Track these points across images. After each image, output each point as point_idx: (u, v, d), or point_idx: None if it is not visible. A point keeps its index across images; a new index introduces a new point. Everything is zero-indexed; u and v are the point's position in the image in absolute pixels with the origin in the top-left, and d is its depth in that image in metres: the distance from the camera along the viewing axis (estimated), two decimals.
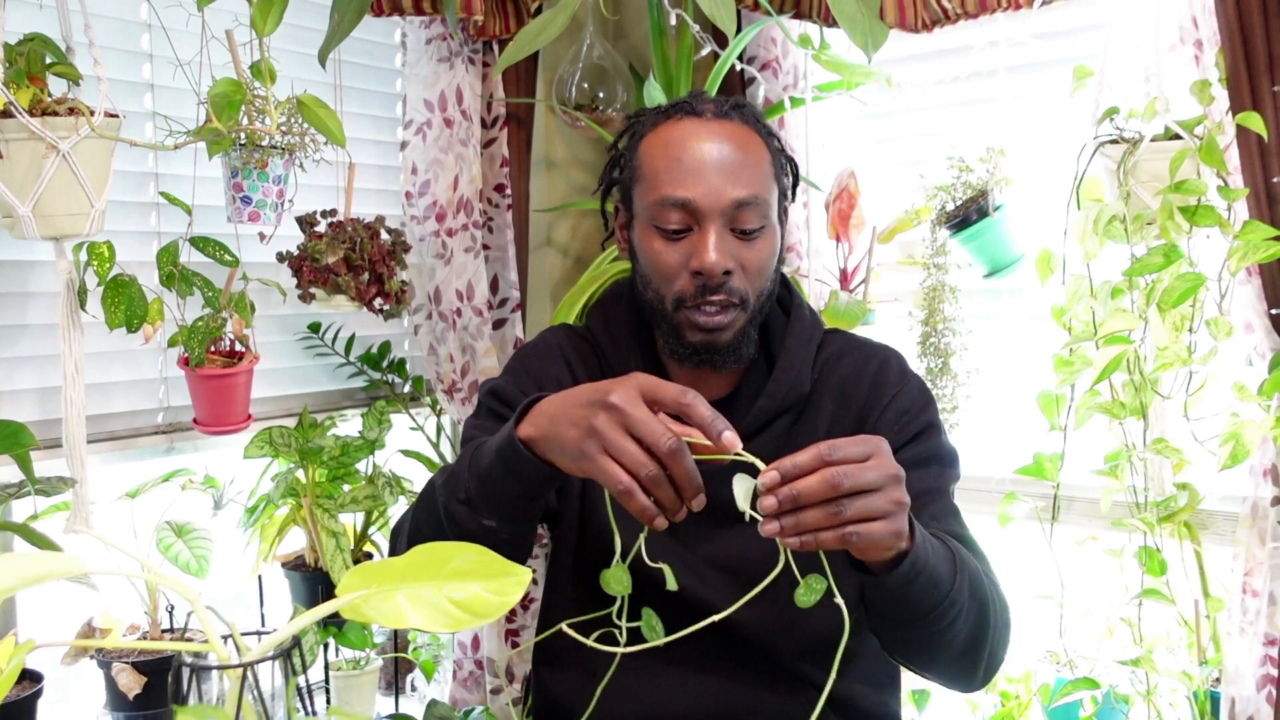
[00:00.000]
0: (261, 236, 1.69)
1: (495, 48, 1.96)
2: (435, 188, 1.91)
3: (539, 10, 1.91)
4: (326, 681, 1.82)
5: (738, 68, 1.99)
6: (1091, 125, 1.63)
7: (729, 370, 1.27)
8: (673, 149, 1.22)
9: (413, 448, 2.03)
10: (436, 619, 0.78)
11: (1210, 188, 1.53)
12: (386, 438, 1.87)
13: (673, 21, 1.92)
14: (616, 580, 1.01)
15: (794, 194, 1.33)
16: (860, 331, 1.71)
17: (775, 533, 0.93)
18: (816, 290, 1.94)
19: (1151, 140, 1.57)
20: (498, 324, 2.02)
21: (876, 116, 2.05)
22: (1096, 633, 1.79)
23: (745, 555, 1.23)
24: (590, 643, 1.04)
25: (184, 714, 0.62)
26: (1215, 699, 1.60)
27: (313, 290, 1.73)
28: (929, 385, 1.58)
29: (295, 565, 1.81)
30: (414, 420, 2.01)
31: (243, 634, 0.82)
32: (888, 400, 1.28)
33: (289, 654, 0.83)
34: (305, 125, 1.60)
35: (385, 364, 1.99)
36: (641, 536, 0.99)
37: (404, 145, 1.95)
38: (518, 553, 1.13)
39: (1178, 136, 1.56)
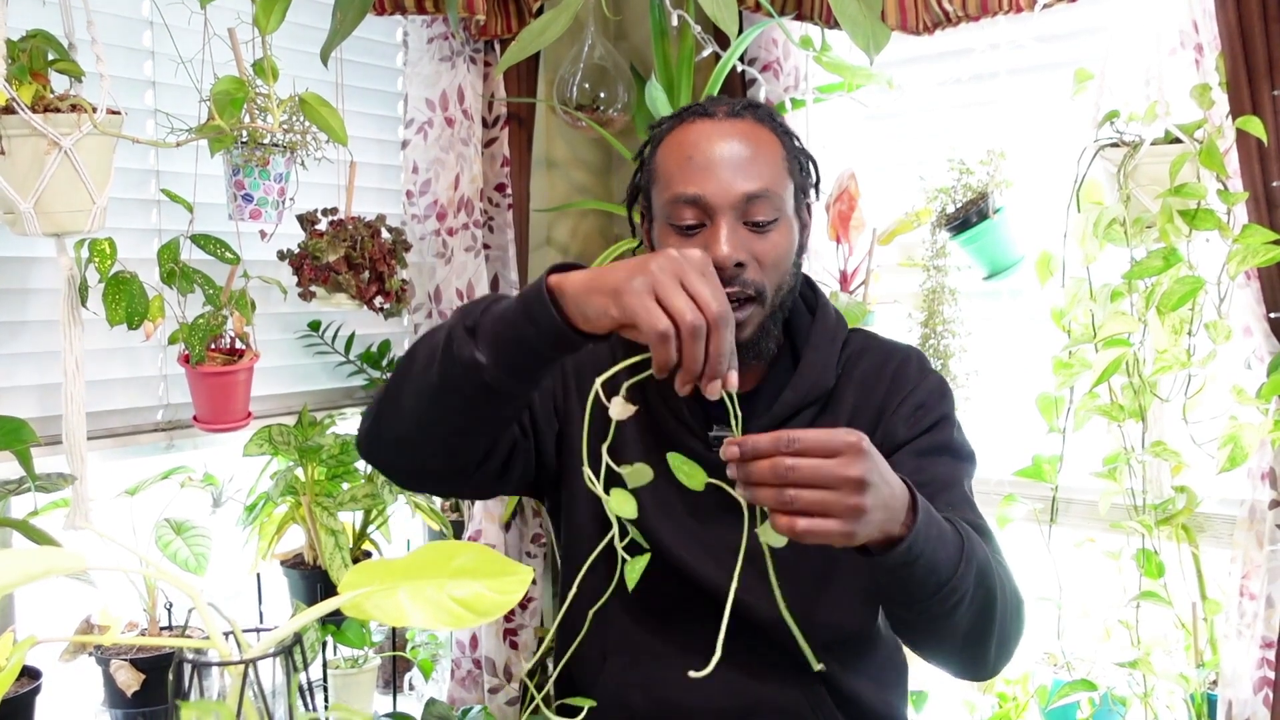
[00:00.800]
0: (262, 234, 1.69)
1: (497, 47, 1.96)
2: (436, 187, 1.91)
3: (541, 10, 1.91)
4: (325, 680, 1.82)
5: (739, 69, 1.99)
6: (1092, 128, 1.64)
7: (753, 367, 1.28)
8: (685, 149, 1.25)
9: None
10: (438, 617, 0.78)
11: (1210, 191, 1.53)
12: None
13: (674, 22, 1.92)
14: (620, 502, 0.99)
15: (817, 192, 1.35)
16: None
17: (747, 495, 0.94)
18: None
19: (1152, 144, 1.58)
20: None
21: (877, 118, 2.05)
22: (1094, 635, 1.79)
23: (753, 544, 1.25)
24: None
25: (188, 709, 0.63)
26: (1212, 701, 1.60)
27: (313, 288, 1.74)
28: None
29: (294, 563, 1.81)
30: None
31: (243, 631, 0.82)
32: (905, 395, 1.30)
33: (290, 651, 0.83)
34: (307, 123, 1.60)
35: (385, 363, 1.99)
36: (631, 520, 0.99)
37: (405, 144, 1.95)
38: (478, 423, 1.13)
39: (1178, 140, 1.56)
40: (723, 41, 1.92)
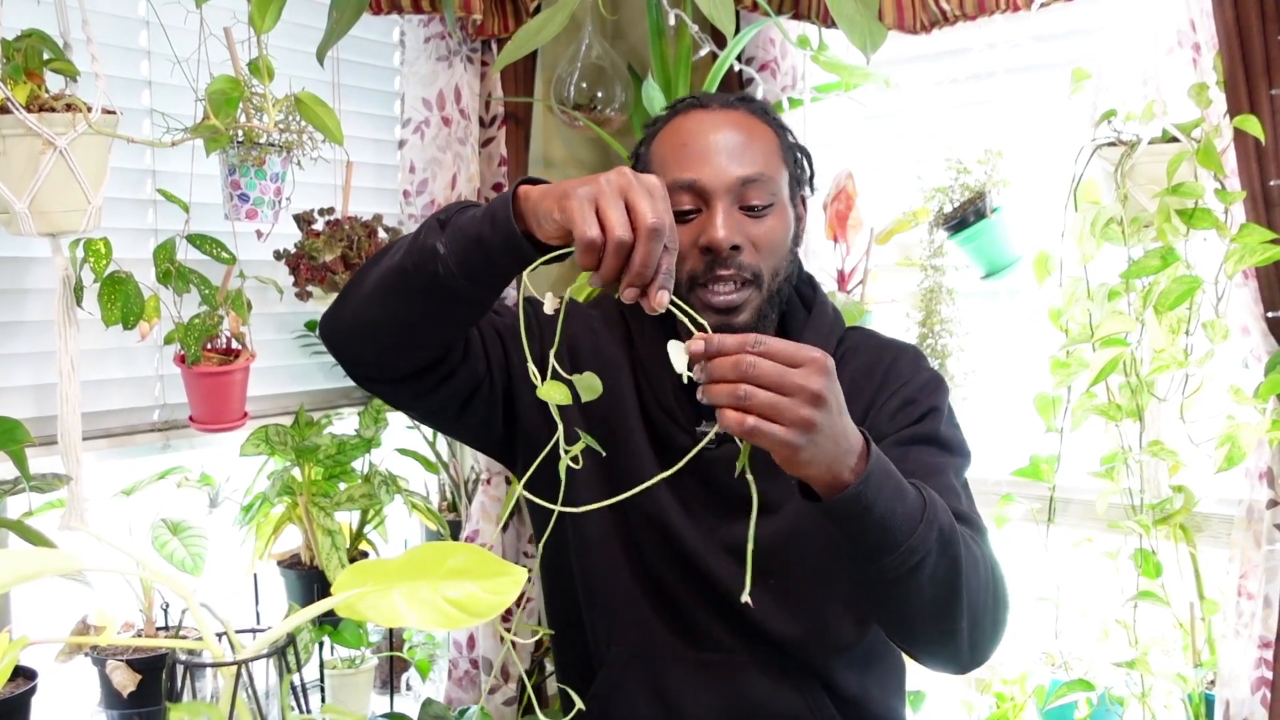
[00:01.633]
0: (259, 234, 1.68)
1: (494, 46, 1.96)
2: (433, 186, 1.91)
3: (538, 9, 1.91)
4: (321, 680, 1.81)
5: (736, 68, 1.99)
6: (1089, 127, 1.64)
7: None
8: (680, 136, 1.26)
9: (409, 446, 2.03)
10: (432, 617, 0.78)
11: (1207, 190, 1.53)
12: (382, 436, 1.87)
13: (671, 22, 1.92)
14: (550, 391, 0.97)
15: (812, 185, 1.36)
16: None
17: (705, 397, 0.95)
18: None
19: (1149, 143, 1.58)
20: None
21: (874, 118, 2.05)
22: (1092, 634, 1.79)
23: (758, 542, 1.25)
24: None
25: (177, 711, 0.62)
26: (1210, 701, 1.60)
27: (310, 288, 1.73)
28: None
29: (291, 563, 1.81)
30: (410, 419, 2.01)
31: (237, 632, 0.82)
32: (895, 390, 1.29)
33: (284, 652, 0.83)
34: (303, 123, 1.59)
35: None
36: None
37: (402, 144, 1.95)
38: (425, 317, 1.13)
39: (1175, 139, 1.56)
40: (720, 41, 1.91)
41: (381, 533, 1.90)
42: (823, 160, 2.03)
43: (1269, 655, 1.53)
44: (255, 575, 1.78)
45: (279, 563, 1.82)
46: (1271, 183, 1.49)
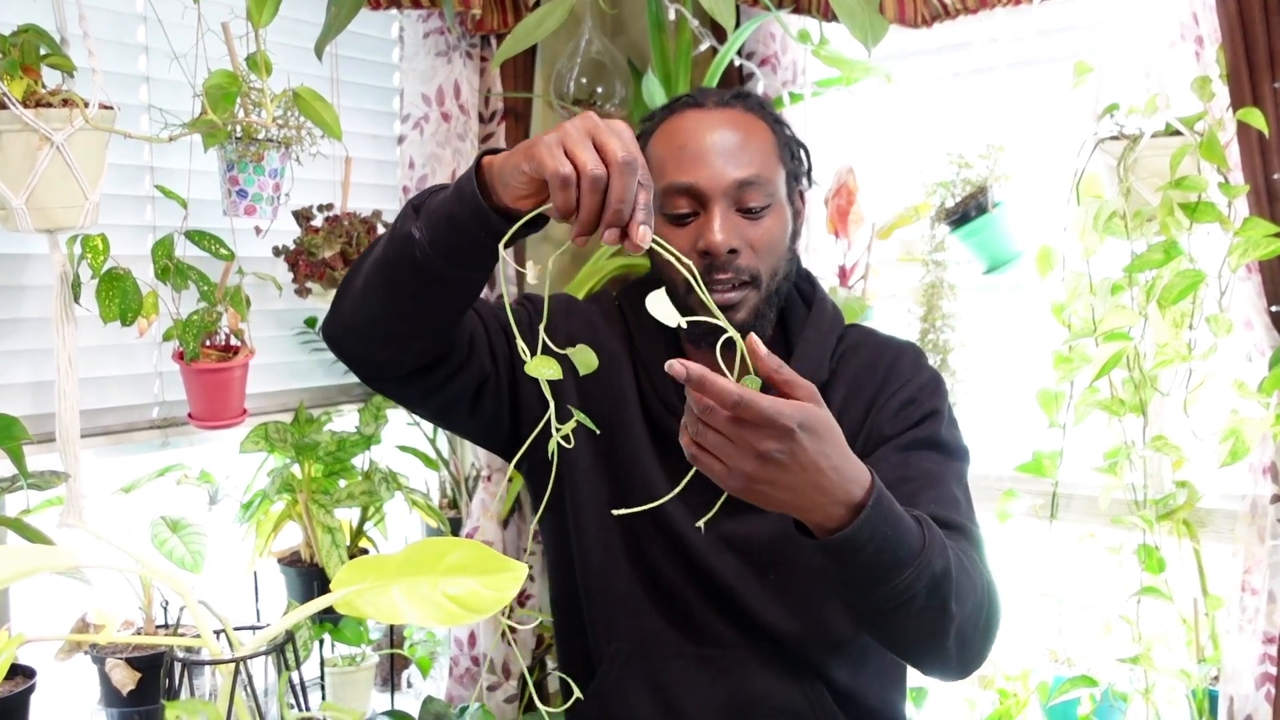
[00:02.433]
0: (257, 230, 1.68)
1: (493, 42, 1.95)
2: (432, 182, 1.90)
3: (537, 4, 1.90)
4: (322, 678, 1.81)
5: (736, 63, 1.98)
6: (1092, 121, 1.63)
7: None
8: (676, 138, 1.25)
9: (409, 443, 2.02)
10: (431, 614, 0.77)
11: (1211, 184, 1.52)
12: (383, 433, 1.86)
13: (671, 16, 1.91)
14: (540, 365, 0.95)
15: (810, 180, 1.35)
16: None
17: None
18: None
19: (1152, 136, 1.57)
20: None
21: (876, 112, 2.04)
22: (1095, 630, 1.78)
23: (757, 536, 1.26)
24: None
25: (174, 708, 0.62)
26: (1213, 697, 1.60)
27: (309, 285, 1.73)
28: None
29: (291, 561, 1.80)
30: (410, 416, 2.00)
31: (236, 629, 0.81)
32: (895, 390, 1.29)
33: (282, 649, 0.83)
34: (301, 118, 1.59)
35: None
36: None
37: (401, 140, 1.94)
38: (413, 307, 1.12)
39: (1178, 133, 1.55)
40: (720, 35, 1.91)
41: (382, 530, 1.90)
42: (824, 155, 2.03)
43: (1273, 651, 1.52)
44: (255, 573, 1.77)
45: (279, 560, 1.81)
46: (1275, 176, 1.49)
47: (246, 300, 1.65)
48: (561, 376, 0.92)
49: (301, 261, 1.71)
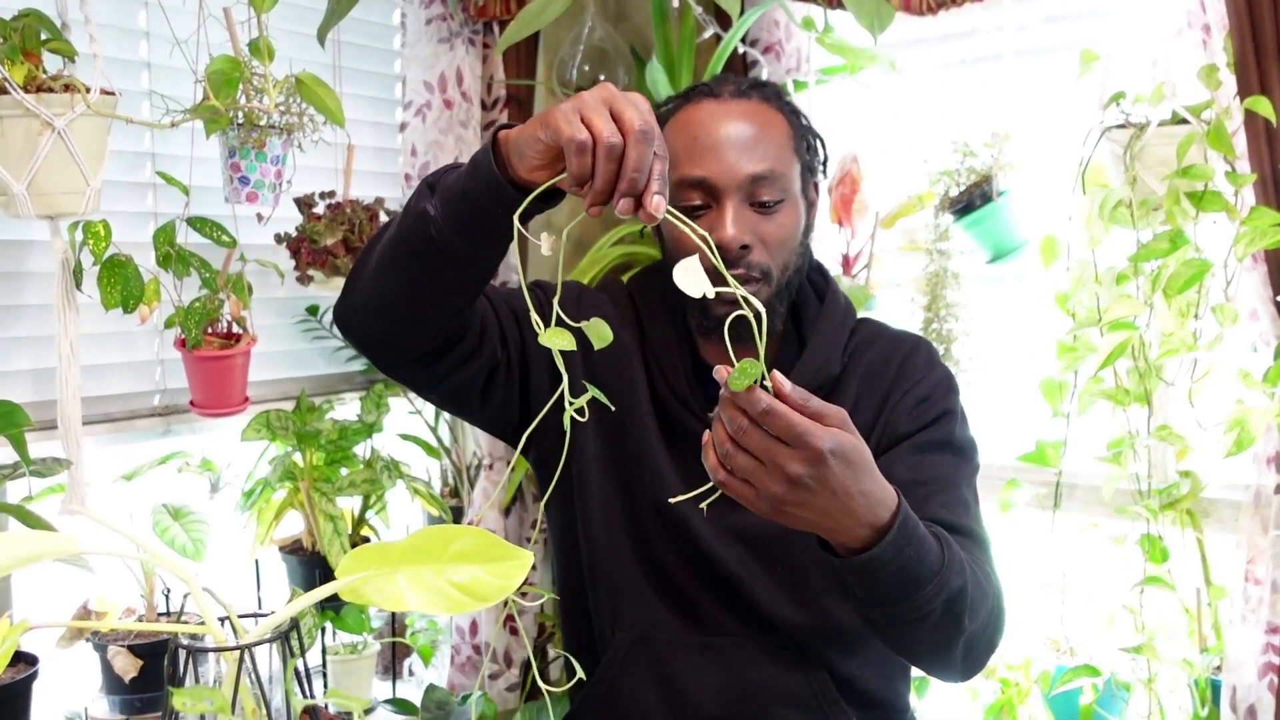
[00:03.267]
0: (259, 217, 1.67)
1: (495, 28, 1.94)
2: (434, 169, 1.89)
3: None
4: (324, 666, 1.81)
5: (740, 51, 1.97)
6: (1097, 110, 1.62)
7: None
8: (690, 130, 1.25)
9: (411, 431, 2.02)
10: (436, 601, 0.77)
11: (1217, 173, 1.52)
12: (384, 421, 1.86)
13: (675, 4, 1.90)
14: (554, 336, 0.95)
15: (826, 170, 1.35)
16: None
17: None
18: None
19: (1158, 125, 1.56)
20: None
21: (880, 100, 2.03)
22: (1098, 620, 1.78)
23: (764, 528, 1.26)
24: None
25: (180, 695, 0.61)
26: (1216, 687, 1.60)
27: (311, 272, 1.72)
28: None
29: (292, 549, 1.80)
30: (412, 404, 2.00)
31: (240, 616, 0.81)
32: (910, 387, 1.29)
33: (287, 636, 0.82)
34: (304, 105, 1.58)
35: None
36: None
37: (403, 127, 1.94)
38: (427, 286, 1.12)
39: (1185, 121, 1.54)
40: (724, 23, 1.90)
41: (383, 518, 1.90)
42: (827, 143, 2.02)
43: (1276, 641, 1.52)
44: (257, 561, 1.77)
45: (280, 548, 1.81)
46: None
47: (248, 287, 1.65)
48: (575, 347, 0.91)
49: (303, 249, 1.71)
